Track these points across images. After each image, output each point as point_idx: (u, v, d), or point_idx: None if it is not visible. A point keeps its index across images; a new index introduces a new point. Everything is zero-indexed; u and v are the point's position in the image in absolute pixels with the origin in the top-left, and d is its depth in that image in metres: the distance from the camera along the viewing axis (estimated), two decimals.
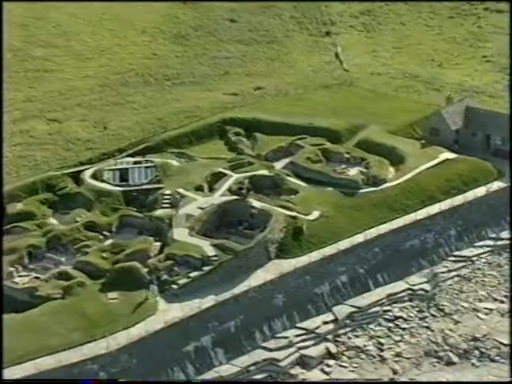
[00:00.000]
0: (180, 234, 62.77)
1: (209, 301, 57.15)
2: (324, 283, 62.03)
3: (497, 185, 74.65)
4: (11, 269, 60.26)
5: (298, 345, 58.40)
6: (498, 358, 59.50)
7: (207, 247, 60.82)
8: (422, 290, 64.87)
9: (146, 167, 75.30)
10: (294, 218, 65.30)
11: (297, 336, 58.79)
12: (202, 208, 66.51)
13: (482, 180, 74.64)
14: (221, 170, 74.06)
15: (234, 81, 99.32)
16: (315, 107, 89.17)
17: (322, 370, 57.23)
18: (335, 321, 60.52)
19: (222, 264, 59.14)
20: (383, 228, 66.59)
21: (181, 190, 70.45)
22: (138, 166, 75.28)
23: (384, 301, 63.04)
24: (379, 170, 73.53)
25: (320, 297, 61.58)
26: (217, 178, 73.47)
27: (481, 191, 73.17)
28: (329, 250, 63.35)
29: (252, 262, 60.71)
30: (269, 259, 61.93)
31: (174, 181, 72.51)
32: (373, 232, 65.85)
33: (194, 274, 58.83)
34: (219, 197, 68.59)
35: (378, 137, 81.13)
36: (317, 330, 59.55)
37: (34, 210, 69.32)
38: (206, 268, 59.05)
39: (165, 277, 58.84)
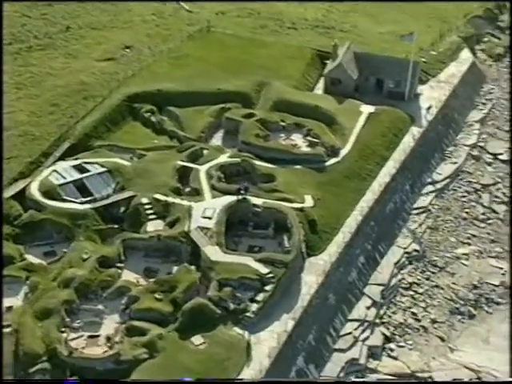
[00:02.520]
0: (212, 252, 60.17)
1: (288, 320, 57.06)
2: (352, 269, 64.67)
3: (416, 130, 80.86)
4: (63, 335, 53.70)
5: (361, 337, 61.00)
6: (500, 300, 67.93)
7: (254, 263, 59.56)
8: (414, 250, 70.43)
9: (100, 173, 68.61)
10: (301, 210, 65.46)
11: (355, 329, 61.28)
12: (208, 217, 63.57)
13: (403, 128, 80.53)
14: (182, 164, 70.25)
15: (86, 39, 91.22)
16: (200, 66, 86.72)
17: (390, 356, 60.99)
18: (374, 303, 63.94)
19: (279, 280, 58.74)
20: (368, 200, 69.91)
21: (158, 196, 66.21)
22: (92, 173, 68.22)
23: (394, 271, 67.56)
24: (327, 136, 75.41)
25: (353, 284, 64.35)
26: (182, 173, 69.83)
27: (409, 140, 79.10)
28: (345, 236, 65.36)
29: (296, 268, 61.05)
30: (303, 260, 62.52)
31: (140, 185, 67.87)
32: (363, 206, 68.97)
33: (261, 297, 57.52)
34: (216, 200, 65.44)
35: (291, 95, 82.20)
36: (367, 318, 62.34)
37: (11, 252, 60.87)
38: (268, 287, 58.13)
39: (232, 306, 56.89)
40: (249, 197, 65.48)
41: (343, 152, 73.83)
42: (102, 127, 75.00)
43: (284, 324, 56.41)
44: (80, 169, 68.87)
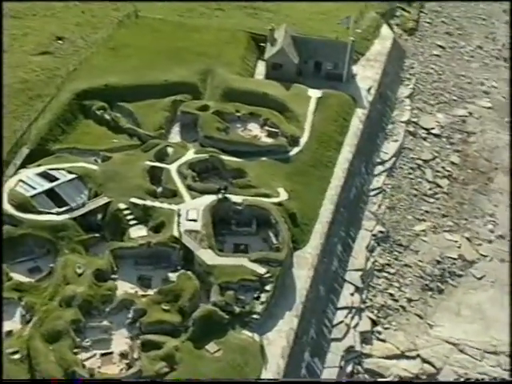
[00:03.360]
0: (207, 256, 61.18)
1: (292, 318, 59.22)
2: (333, 258, 67.43)
3: (361, 112, 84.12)
4: (77, 357, 53.55)
5: (352, 324, 64.28)
6: (461, 272, 73.02)
7: (250, 264, 60.94)
8: (379, 232, 74.06)
9: (71, 180, 67.45)
10: (280, 204, 67.23)
11: (346, 317, 64.43)
12: (193, 220, 64.26)
13: (350, 111, 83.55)
14: (151, 164, 70.18)
15: (10, 30, 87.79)
16: (140, 55, 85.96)
17: (379, 339, 64.65)
18: (357, 289, 67.25)
19: (278, 278, 60.65)
20: (334, 187, 72.62)
21: (136, 200, 66.17)
22: (62, 181, 66.87)
23: (367, 254, 71.08)
24: (286, 126, 77.13)
25: (336, 273, 67.16)
26: (152, 174, 69.83)
27: (357, 122, 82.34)
28: (323, 226, 67.85)
29: (289, 264, 63.12)
30: (292, 255, 64.58)
31: (113, 190, 67.15)
32: (332, 194, 71.66)
33: (264, 298, 59.23)
34: (196, 201, 66.03)
35: (238, 83, 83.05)
36: (353, 305, 65.63)
37: None
38: (269, 287, 59.84)
39: (237, 310, 58.39)
40: (228, 195, 65.62)
41: (303, 140, 75.27)
42: (57, 129, 73.18)
43: (289, 322, 58.29)
44: (46, 176, 67.00)
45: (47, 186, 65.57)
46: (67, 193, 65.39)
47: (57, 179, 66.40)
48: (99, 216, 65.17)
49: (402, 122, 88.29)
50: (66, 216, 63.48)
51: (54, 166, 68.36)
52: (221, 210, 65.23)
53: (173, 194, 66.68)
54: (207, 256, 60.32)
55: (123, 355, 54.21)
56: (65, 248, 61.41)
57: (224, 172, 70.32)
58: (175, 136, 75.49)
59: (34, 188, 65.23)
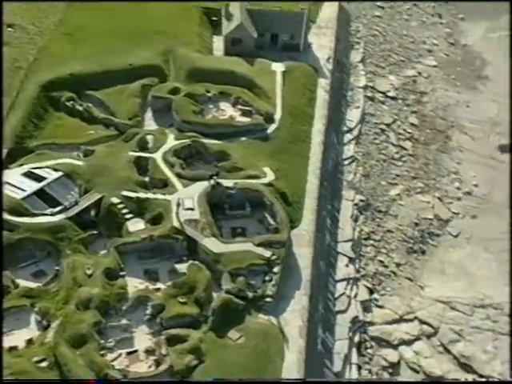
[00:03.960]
0: (212, 244, 62.30)
1: (302, 297, 61.34)
2: (325, 233, 69.71)
3: (324, 82, 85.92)
4: (106, 359, 54.40)
5: (352, 295, 67.13)
6: (438, 231, 76.79)
7: (255, 248, 62.40)
8: (360, 201, 76.73)
9: (58, 178, 66.95)
10: (270, 185, 68.69)
11: (345, 289, 67.18)
12: (191, 209, 65.06)
13: (314, 82, 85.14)
14: (135, 154, 70.23)
15: None
16: (98, 39, 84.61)
17: (378, 306, 67.74)
18: (350, 260, 69.97)
19: (283, 259, 62.56)
20: (314, 162, 74.37)
21: (128, 193, 66.48)
22: (50, 180, 66.21)
23: (353, 224, 73.79)
24: (258, 103, 78.07)
25: (330, 246, 69.49)
26: (138, 164, 70.00)
27: (322, 93, 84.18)
28: (311, 202, 69.81)
29: (289, 244, 65.02)
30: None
31: (103, 184, 67.06)
32: (314, 169, 73.55)
33: (274, 280, 61.02)
34: (188, 189, 66.60)
35: (202, 62, 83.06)
36: (350, 276, 68.42)
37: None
38: (276, 269, 61.62)
39: (250, 295, 60.04)
40: (220, 180, 66.49)
41: (277, 117, 76.37)
42: (30, 125, 72.01)
43: (300, 301, 60.25)
44: (32, 176, 65.99)
45: (36, 186, 64.76)
46: (57, 192, 64.80)
47: (44, 178, 65.58)
48: (92, 212, 64.60)
49: (359, 87, 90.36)
50: (62, 216, 62.92)
51: (37, 164, 66.82)
52: (214, 195, 66.10)
53: (163, 184, 66.79)
54: (212, 244, 61.20)
55: (149, 352, 54.95)
56: (66, 249, 61.18)
57: (207, 156, 70.88)
58: (150, 122, 75.26)
59: (23, 190, 64.23)
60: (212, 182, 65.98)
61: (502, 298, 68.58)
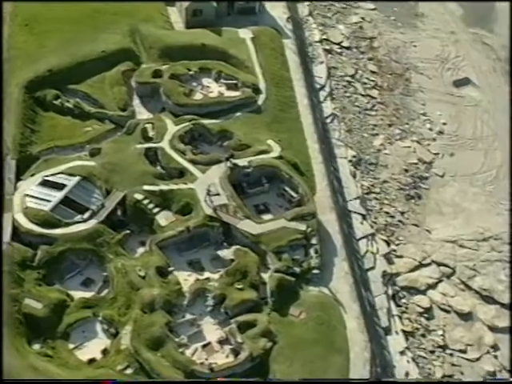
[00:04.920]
0: (249, 226, 64.50)
1: (341, 263, 65.08)
2: (338, 195, 72.92)
3: (289, 42, 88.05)
4: (193, 358, 56.62)
5: (374, 251, 71.28)
6: (426, 174, 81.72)
7: (290, 224, 65.20)
8: (353, 157, 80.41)
9: (78, 183, 66.95)
10: (280, 157, 71.25)
11: (367, 246, 71.19)
12: (217, 194, 66.73)
13: (281, 45, 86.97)
14: (143, 146, 70.82)
15: None
16: (61, 28, 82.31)
17: (397, 256, 72.33)
18: (363, 217, 73.93)
19: (318, 230, 65.77)
20: (308, 124, 77.01)
21: (149, 188, 67.36)
22: (71, 186, 66.10)
23: (354, 181, 77.59)
24: (241, 75, 79.54)
25: (343, 207, 72.99)
26: (147, 156, 70.70)
27: (291, 55, 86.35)
28: (319, 167, 72.81)
29: None
30: None
31: (122, 182, 67.28)
32: (311, 133, 76.23)
33: (315, 252, 64.14)
34: (208, 175, 67.96)
35: (171, 39, 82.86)
36: (367, 232, 72.51)
37: (59, 297, 59.92)
38: (314, 240, 64.85)
39: (298, 270, 63.24)
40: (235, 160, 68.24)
41: (262, 86, 78.01)
42: (27, 131, 70.49)
43: (341, 267, 63.84)
44: (49, 185, 65.52)
45: (60, 195, 64.19)
46: (81, 197, 64.74)
47: (62, 185, 65.13)
48: (119, 212, 65.03)
49: (316, 42, 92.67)
50: (94, 221, 63.01)
51: (49, 171, 66.27)
52: (232, 176, 67.61)
53: (179, 173, 67.56)
54: (249, 226, 63.40)
55: (222, 342, 57.21)
56: (107, 253, 61.63)
57: (210, 137, 71.91)
58: (140, 110, 75.15)
59: (48, 200, 63.64)
60: (229, 163, 67.12)
61: (498, 228, 74.33)
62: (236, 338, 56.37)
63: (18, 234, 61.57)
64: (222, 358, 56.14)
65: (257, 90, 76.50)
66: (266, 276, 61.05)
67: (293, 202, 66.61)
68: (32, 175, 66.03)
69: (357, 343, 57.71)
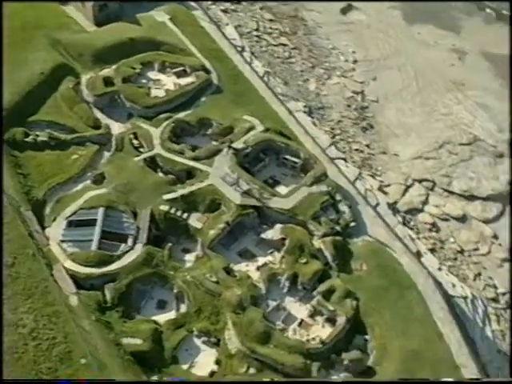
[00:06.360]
0: (278, 203, 67.85)
1: (364, 208, 71.47)
2: (316, 147, 78.47)
3: (199, 13, 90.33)
4: (297, 338, 61.23)
5: (369, 188, 78.47)
6: (365, 104, 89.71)
7: (312, 189, 69.60)
8: (304, 107, 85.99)
9: (106, 214, 67.09)
10: (267, 130, 74.88)
11: (361, 185, 78.27)
12: (236, 182, 69.74)
13: (194, 17, 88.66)
14: (141, 158, 71.84)
15: None
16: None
17: (386, 186, 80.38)
18: (344, 160, 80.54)
19: (337, 186, 71.32)
20: (262, 89, 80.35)
21: (168, 197, 68.66)
22: (100, 219, 66.14)
23: (319, 131, 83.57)
24: (184, 59, 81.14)
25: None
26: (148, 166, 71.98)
27: (207, 25, 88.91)
28: (298, 128, 77.77)
29: None
30: None
31: (141, 199, 66.84)
32: (269, 96, 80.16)
33: (345, 206, 69.80)
34: (217, 167, 70.37)
35: (97, 40, 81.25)
36: (355, 174, 79.41)
37: (151, 327, 62.07)
38: (338, 196, 70.12)
39: (339, 228, 68.68)
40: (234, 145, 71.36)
41: (208, 65, 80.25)
42: (20, 178, 68.45)
43: (366, 213, 70.00)
44: (77, 224, 65.14)
45: (97, 230, 64.07)
46: (114, 226, 64.93)
47: (91, 221, 64.88)
48: (152, 228, 66.38)
49: (210, 5, 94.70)
50: (140, 245, 64.15)
51: (68, 211, 65.88)
52: (237, 161, 70.67)
53: (187, 173, 69.51)
54: (279, 203, 67.27)
55: (312, 315, 61.94)
56: (168, 270, 63.31)
57: (192, 129, 73.87)
58: (106, 121, 74.61)
59: (87, 241, 63.59)
60: (231, 150, 70.01)
61: (444, 133, 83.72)
62: (327, 307, 60.81)
63: (76, 281, 60.67)
64: (319, 330, 60.39)
65: (206, 71, 78.04)
66: (316, 243, 64.83)
67: (296, 168, 70.47)
68: (54, 220, 64.50)
69: (417, 275, 64.17)
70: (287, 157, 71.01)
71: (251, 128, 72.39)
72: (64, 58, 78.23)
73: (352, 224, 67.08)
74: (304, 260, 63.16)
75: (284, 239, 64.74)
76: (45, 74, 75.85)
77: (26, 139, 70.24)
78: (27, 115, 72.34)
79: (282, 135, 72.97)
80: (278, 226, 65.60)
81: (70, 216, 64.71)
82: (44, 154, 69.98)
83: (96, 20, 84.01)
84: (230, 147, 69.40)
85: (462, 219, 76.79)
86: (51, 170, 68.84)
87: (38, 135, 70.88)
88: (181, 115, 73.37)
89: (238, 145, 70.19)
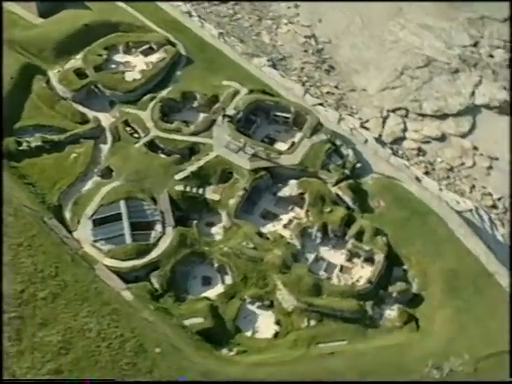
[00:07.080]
0: (289, 159, 70.15)
1: (363, 148, 74.95)
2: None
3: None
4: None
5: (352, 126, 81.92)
6: (326, 56, 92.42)
7: (313, 139, 71.75)
8: (267, 61, 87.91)
9: (127, 206, 67.75)
10: (252, 91, 76.21)
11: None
12: (241, 149, 71.31)
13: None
14: (142, 143, 72.41)
15: None
16: None
17: (364, 122, 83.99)
18: (321, 105, 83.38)
19: (334, 132, 74.34)
20: (237, 57, 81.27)
21: (180, 176, 69.83)
22: (125, 211, 66.84)
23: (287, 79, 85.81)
24: (149, 37, 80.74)
25: None
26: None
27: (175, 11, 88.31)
28: (278, 84, 79.99)
29: None
30: None
31: (156, 185, 66.94)
32: (249, 61, 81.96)
33: (348, 149, 72.99)
34: (217, 137, 71.41)
35: (54, 32, 78.52)
36: (337, 116, 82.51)
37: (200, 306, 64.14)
38: (338, 141, 72.85)
39: (347, 171, 71.77)
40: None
41: (172, 39, 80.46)
42: (30, 188, 68.19)
43: (365, 151, 73.44)
44: (103, 221, 65.43)
45: (125, 225, 64.75)
46: (140, 215, 65.75)
47: (115, 215, 65.49)
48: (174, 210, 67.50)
49: None
50: (170, 228, 65.36)
51: (89, 210, 66.20)
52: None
53: (189, 150, 70.68)
54: (287, 160, 69.58)
55: (349, 259, 65.35)
56: (203, 247, 64.82)
57: (178, 105, 74.62)
58: (94, 114, 74.12)
59: (119, 236, 64.40)
60: (226, 119, 71.50)
61: (400, 60, 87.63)
62: (362, 248, 64.33)
63: (120, 276, 61.55)
64: (360, 271, 63.95)
65: (172, 44, 78.33)
66: (333, 190, 67.88)
67: (289, 122, 72.77)
68: (78, 222, 64.69)
69: (430, 200, 68.40)
70: (278, 113, 72.56)
71: (236, 93, 73.37)
72: (25, 58, 75.84)
73: (358, 165, 69.69)
74: (328, 209, 65.88)
75: (302, 193, 66.72)
76: (14, 78, 73.51)
77: (20, 148, 68.69)
78: (11, 123, 70.46)
79: (266, 93, 74.13)
80: (293, 182, 67.65)
81: (92, 215, 64.33)
82: (42, 159, 68.95)
83: (39, 11, 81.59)
84: (224, 115, 70.22)
85: (442, 138, 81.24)
86: (56, 173, 68.13)
87: (29, 141, 69.26)
88: (163, 93, 72.87)
89: (230, 111, 70.99)
